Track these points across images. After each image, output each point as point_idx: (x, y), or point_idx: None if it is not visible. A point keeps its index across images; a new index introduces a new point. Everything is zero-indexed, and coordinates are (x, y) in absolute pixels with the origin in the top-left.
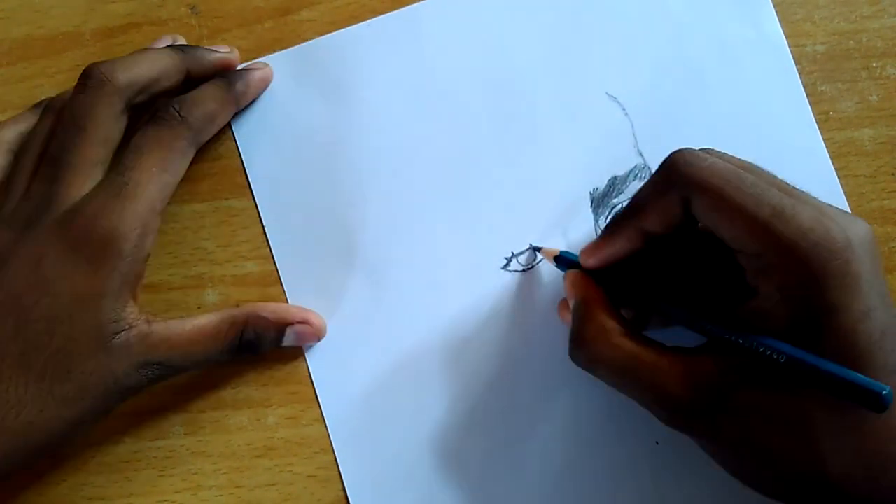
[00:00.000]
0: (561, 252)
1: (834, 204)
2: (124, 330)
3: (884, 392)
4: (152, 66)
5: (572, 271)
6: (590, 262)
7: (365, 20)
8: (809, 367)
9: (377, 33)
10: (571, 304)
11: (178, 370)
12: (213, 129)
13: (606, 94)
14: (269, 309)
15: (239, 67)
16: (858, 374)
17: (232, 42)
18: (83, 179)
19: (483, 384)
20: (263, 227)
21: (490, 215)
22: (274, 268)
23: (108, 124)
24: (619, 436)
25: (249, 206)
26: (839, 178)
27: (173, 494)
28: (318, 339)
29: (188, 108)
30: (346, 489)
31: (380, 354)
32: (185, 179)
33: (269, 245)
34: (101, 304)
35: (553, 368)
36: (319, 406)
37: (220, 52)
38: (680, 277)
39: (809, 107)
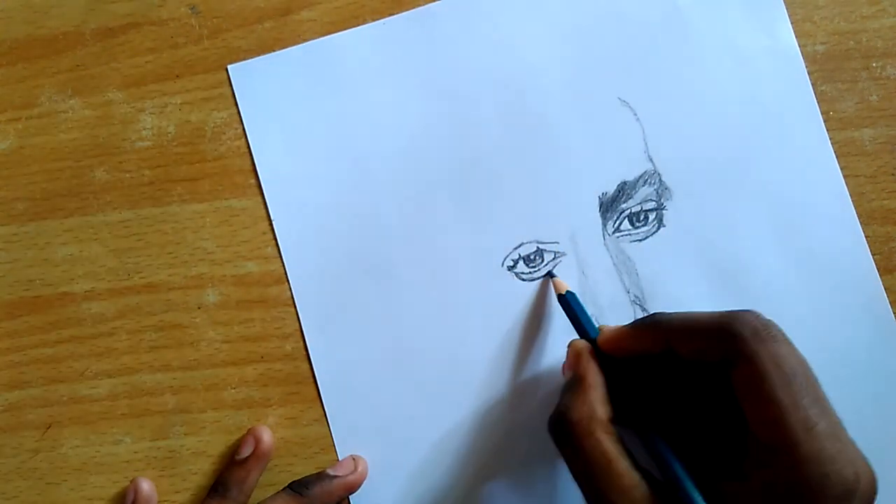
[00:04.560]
0: (567, 292)
1: (838, 205)
2: None
3: None
4: None
5: (580, 343)
6: (607, 345)
7: (365, 20)
8: None
9: (391, 32)
10: (567, 375)
11: None
12: None
13: (618, 98)
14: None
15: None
16: None
17: (232, 42)
18: None
19: (486, 385)
20: (272, 224)
21: (498, 216)
22: (273, 268)
23: None
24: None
25: (250, 205)
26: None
27: (173, 494)
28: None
29: None
30: None
31: (385, 353)
32: (186, 179)
33: (276, 242)
34: None
35: (558, 369)
36: (322, 405)
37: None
38: (682, 409)
39: (820, 115)
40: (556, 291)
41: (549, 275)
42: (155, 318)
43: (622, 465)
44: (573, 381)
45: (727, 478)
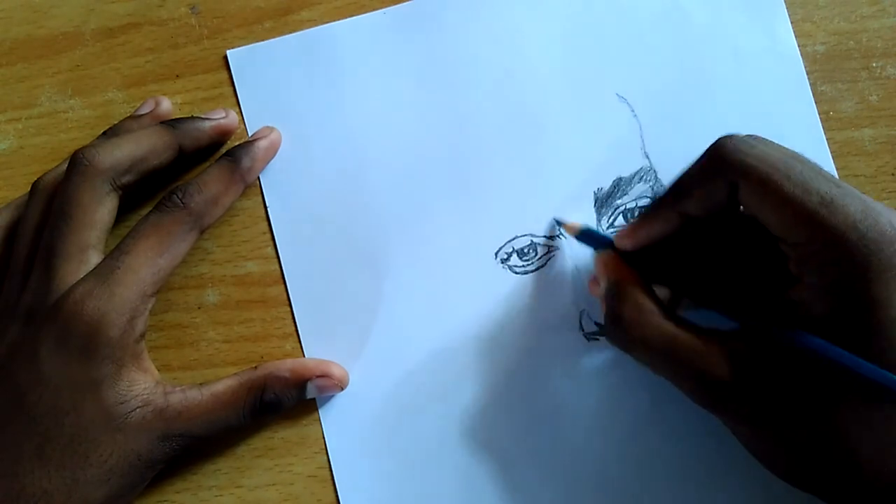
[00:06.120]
0: (583, 228)
1: None
2: (138, 408)
3: None
4: (137, 146)
5: (604, 252)
6: (626, 244)
7: None
8: (843, 367)
9: (390, 22)
10: (603, 285)
11: (201, 439)
12: (219, 211)
13: (616, 94)
14: (287, 367)
15: (250, 136)
16: (893, 378)
17: (232, 42)
18: (76, 266)
19: (477, 377)
20: (269, 221)
21: (493, 209)
22: (274, 268)
23: (93, 208)
24: (618, 431)
25: (250, 205)
26: (839, 178)
27: (173, 494)
28: (342, 389)
29: (190, 195)
30: (338, 490)
31: (377, 346)
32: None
33: (273, 241)
34: (99, 391)
35: (551, 364)
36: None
37: (213, 119)
38: (717, 260)
39: (818, 115)
40: (570, 233)
41: (557, 222)
42: (155, 318)
43: (687, 336)
44: (609, 288)
45: (784, 290)
